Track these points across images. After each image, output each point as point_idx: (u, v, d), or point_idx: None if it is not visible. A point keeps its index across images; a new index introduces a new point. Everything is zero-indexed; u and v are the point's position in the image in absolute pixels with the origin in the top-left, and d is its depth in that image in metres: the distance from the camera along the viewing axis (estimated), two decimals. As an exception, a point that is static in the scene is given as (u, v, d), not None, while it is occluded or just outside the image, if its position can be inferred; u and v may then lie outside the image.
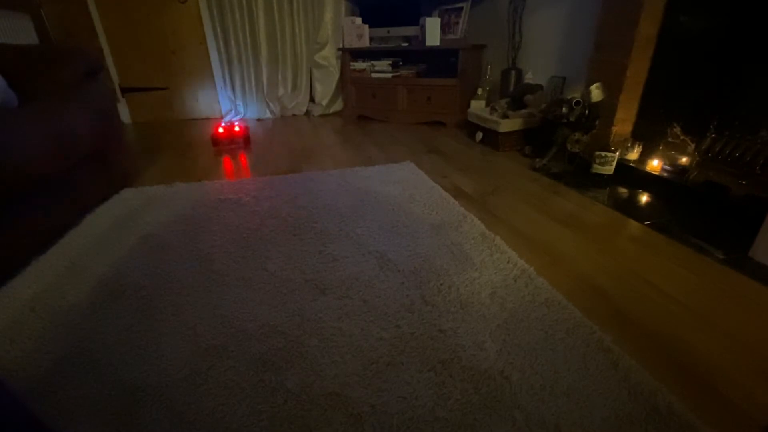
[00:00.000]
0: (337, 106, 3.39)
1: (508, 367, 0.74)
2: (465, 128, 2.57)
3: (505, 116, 2.13)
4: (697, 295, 0.96)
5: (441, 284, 0.99)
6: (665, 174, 1.56)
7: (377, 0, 2.97)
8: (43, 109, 1.25)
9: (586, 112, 1.71)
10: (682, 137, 1.58)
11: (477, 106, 2.51)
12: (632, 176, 1.65)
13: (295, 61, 3.21)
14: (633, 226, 1.32)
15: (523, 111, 2.14)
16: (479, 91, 2.62)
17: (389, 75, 2.90)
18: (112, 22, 2.87)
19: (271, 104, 3.24)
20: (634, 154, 1.70)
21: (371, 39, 2.97)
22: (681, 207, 1.42)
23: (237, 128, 2.38)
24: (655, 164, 1.61)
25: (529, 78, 2.34)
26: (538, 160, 1.88)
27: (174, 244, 1.21)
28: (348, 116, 3.18)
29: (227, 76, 3.16)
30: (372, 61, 2.95)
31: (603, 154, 1.65)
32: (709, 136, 1.44)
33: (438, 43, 2.71)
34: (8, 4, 2.16)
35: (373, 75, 2.95)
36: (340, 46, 3.05)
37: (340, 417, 0.66)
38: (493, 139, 2.21)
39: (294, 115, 3.36)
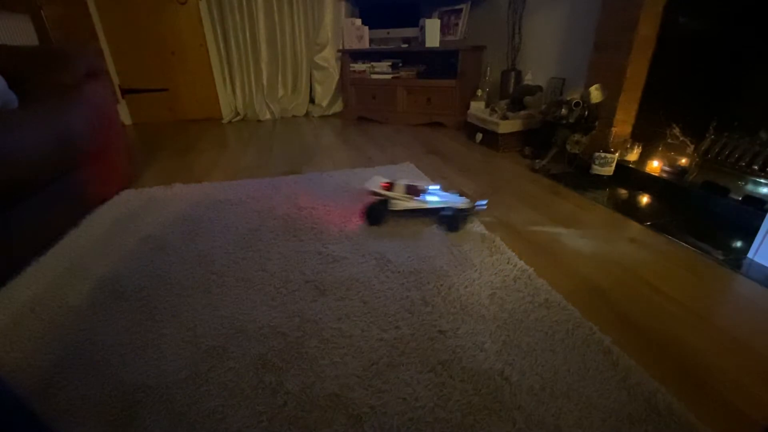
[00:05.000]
0: (337, 107, 3.40)
1: (508, 367, 0.74)
2: (465, 129, 2.57)
3: (504, 117, 2.13)
4: (696, 296, 0.96)
5: (441, 285, 0.99)
6: (665, 175, 1.56)
7: (377, 1, 2.98)
8: (43, 111, 1.25)
9: (586, 113, 1.72)
10: (681, 138, 1.58)
11: (477, 107, 2.51)
12: (632, 177, 1.65)
13: (295, 63, 3.22)
14: (632, 226, 1.32)
15: (523, 112, 2.15)
16: (479, 93, 2.63)
17: (389, 76, 2.91)
18: (112, 23, 2.87)
19: (271, 105, 3.25)
20: (633, 155, 1.71)
21: (371, 40, 2.98)
22: (680, 208, 1.42)
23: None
24: (654, 165, 1.62)
25: (528, 79, 2.35)
26: (537, 161, 1.88)
27: (174, 245, 1.22)
28: (348, 117, 3.18)
29: (227, 77, 3.17)
30: (372, 63, 2.95)
31: (602, 155, 1.66)
32: (708, 137, 1.45)
33: (438, 45, 2.71)
34: (8, 5, 2.16)
35: (373, 76, 2.96)
36: (340, 47, 3.06)
37: (341, 418, 0.66)
38: (492, 140, 2.21)
39: (294, 116, 3.36)
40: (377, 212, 1.28)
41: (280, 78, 3.22)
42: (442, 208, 1.28)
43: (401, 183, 1.32)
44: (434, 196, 1.30)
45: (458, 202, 1.28)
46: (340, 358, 0.78)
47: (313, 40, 3.16)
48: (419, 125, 2.89)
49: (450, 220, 1.26)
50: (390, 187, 1.31)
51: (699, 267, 1.09)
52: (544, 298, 0.93)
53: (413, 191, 1.30)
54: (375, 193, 1.30)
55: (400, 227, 1.29)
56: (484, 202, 1.32)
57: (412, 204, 1.29)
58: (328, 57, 3.20)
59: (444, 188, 1.35)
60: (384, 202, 1.29)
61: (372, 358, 0.77)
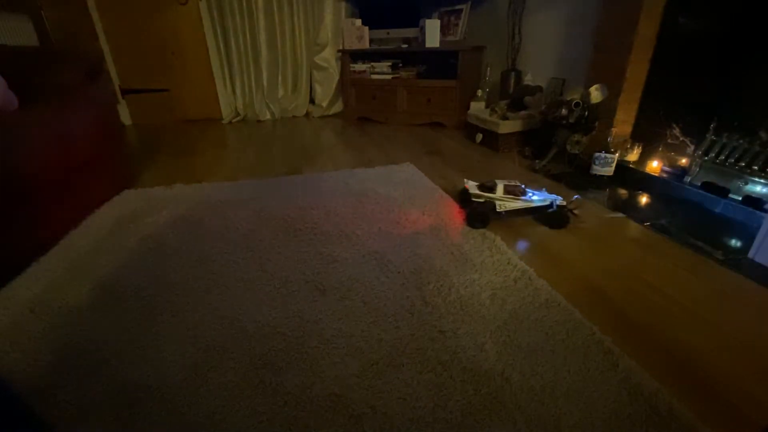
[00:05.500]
0: (337, 107, 3.40)
1: (509, 368, 0.74)
2: (465, 130, 2.57)
3: (504, 118, 2.13)
4: (696, 296, 0.96)
5: (441, 285, 0.99)
6: (665, 175, 1.56)
7: (377, 1, 2.98)
8: (44, 111, 1.26)
9: (586, 113, 1.72)
10: (681, 138, 1.58)
11: (477, 108, 2.51)
12: (632, 177, 1.65)
13: (295, 63, 3.21)
14: (632, 227, 1.32)
15: (523, 112, 2.15)
16: (479, 93, 2.63)
17: (389, 76, 2.91)
18: (113, 24, 2.87)
19: (271, 106, 3.25)
20: (633, 156, 1.71)
21: (371, 40, 2.98)
22: (680, 208, 1.42)
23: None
24: (654, 165, 1.62)
25: (528, 79, 2.35)
26: (537, 161, 1.88)
27: (174, 246, 1.21)
28: (348, 118, 3.18)
29: (227, 78, 3.17)
30: (372, 63, 2.95)
31: (603, 155, 1.66)
32: (708, 137, 1.45)
33: (438, 45, 2.71)
34: (8, 6, 2.16)
35: (373, 76, 2.95)
36: (340, 47, 3.06)
37: (340, 418, 0.66)
38: (492, 140, 2.21)
39: (294, 116, 3.36)
40: (483, 215, 1.28)
41: (280, 78, 3.22)
42: (547, 206, 1.30)
43: (500, 184, 1.34)
44: (534, 195, 1.32)
45: (557, 199, 1.31)
46: (340, 358, 0.78)
47: (313, 41, 3.16)
48: (419, 125, 2.89)
49: (560, 216, 1.29)
50: (491, 189, 1.33)
51: (699, 267, 1.08)
52: (544, 299, 0.93)
53: (515, 191, 1.32)
54: (477, 196, 1.32)
55: (400, 227, 1.29)
56: (577, 195, 1.33)
57: (519, 204, 1.30)
58: (328, 57, 3.20)
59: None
60: (487, 203, 1.29)
61: (372, 358, 0.77)
